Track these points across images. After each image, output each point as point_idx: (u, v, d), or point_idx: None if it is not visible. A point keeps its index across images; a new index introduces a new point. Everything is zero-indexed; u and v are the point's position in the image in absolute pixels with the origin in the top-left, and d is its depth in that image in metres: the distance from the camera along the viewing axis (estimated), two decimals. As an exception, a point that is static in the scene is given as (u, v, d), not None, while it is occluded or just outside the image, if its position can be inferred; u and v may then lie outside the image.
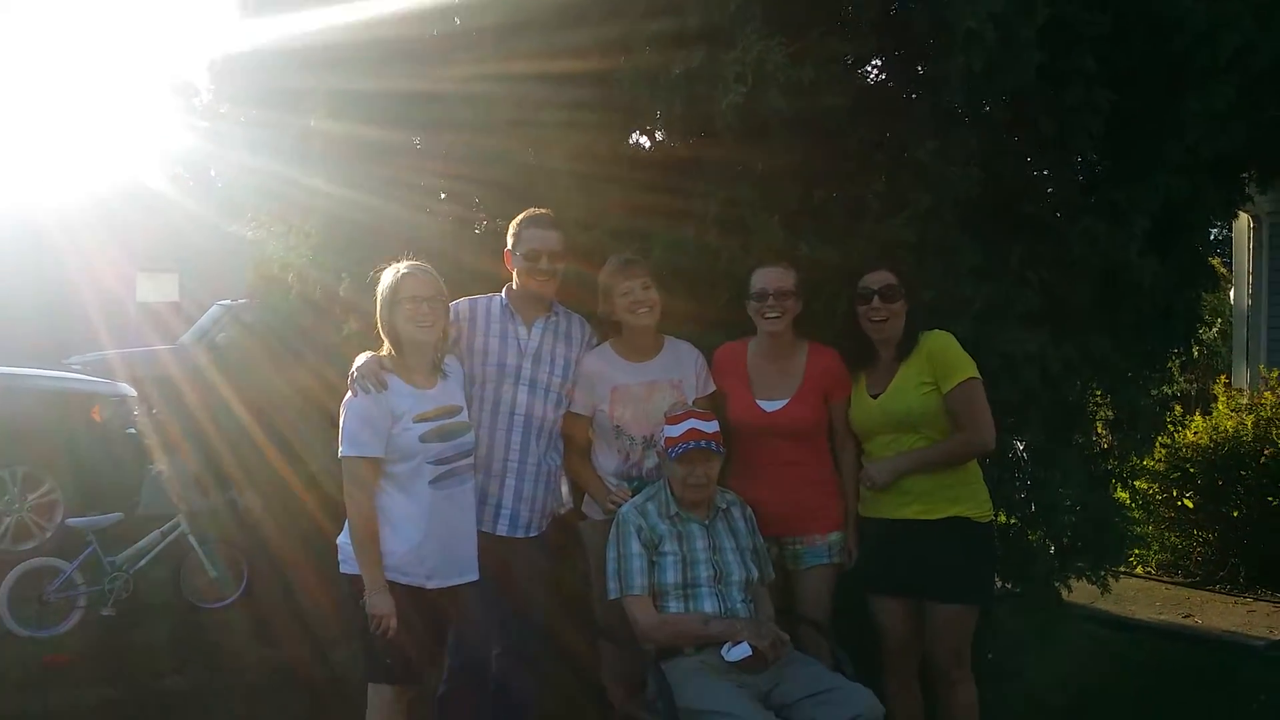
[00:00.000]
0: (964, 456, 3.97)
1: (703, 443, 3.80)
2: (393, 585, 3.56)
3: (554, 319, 4.17)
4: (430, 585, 3.66)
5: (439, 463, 3.66)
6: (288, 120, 4.72)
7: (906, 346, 3.99)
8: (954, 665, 3.96)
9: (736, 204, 4.17)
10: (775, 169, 4.20)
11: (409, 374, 3.71)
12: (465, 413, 3.85)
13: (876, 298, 3.95)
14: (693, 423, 3.84)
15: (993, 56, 3.97)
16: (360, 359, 3.71)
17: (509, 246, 4.08)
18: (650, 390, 4.10)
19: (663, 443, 3.89)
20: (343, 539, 3.68)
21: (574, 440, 4.20)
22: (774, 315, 3.99)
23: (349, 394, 3.65)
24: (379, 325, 3.74)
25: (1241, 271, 10.25)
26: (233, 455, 8.23)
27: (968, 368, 3.91)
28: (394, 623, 3.51)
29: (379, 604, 3.51)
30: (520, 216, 4.07)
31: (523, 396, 4.06)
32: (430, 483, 3.64)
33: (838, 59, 4.05)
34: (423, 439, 3.62)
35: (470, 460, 3.82)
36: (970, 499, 3.96)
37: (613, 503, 4.03)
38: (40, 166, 21.37)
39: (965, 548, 3.93)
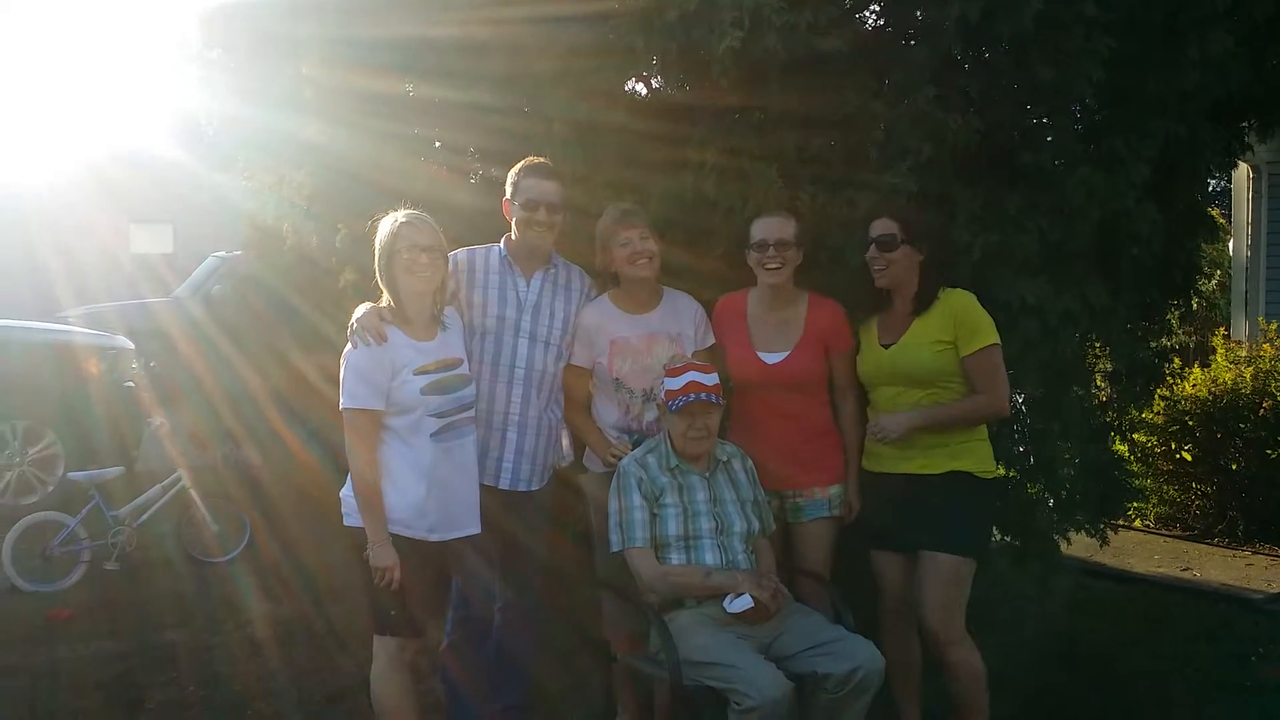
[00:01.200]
0: (978, 420, 3.94)
1: (703, 395, 3.79)
2: (395, 538, 3.56)
3: (553, 271, 4.13)
4: (433, 538, 3.65)
5: (439, 416, 3.64)
6: (279, 68, 4.67)
7: (924, 300, 3.92)
8: (944, 625, 3.84)
9: (734, 152, 4.14)
10: (772, 116, 4.16)
11: (408, 326, 3.67)
12: (465, 365, 3.83)
13: (874, 246, 3.90)
14: (693, 375, 3.83)
15: (990, 3, 3.92)
16: (359, 310, 3.67)
17: (507, 195, 4.03)
18: (649, 342, 4.08)
19: (663, 395, 3.88)
20: (346, 492, 3.67)
21: (574, 393, 4.19)
22: (774, 266, 3.96)
23: (348, 346, 3.62)
24: (377, 275, 3.69)
25: (1240, 223, 10.22)
26: (230, 409, 8.27)
27: (990, 332, 3.86)
28: (397, 575, 3.51)
29: (382, 557, 3.52)
30: (518, 165, 4.02)
31: (523, 349, 4.03)
32: (431, 435, 3.62)
33: (836, 2, 4.00)
34: (423, 391, 3.59)
35: (471, 414, 3.80)
36: (972, 455, 3.92)
37: (613, 455, 4.02)
38: (31, 120, 21.24)
39: (964, 502, 3.88)
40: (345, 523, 3.66)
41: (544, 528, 4.22)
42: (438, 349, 3.72)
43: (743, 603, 3.64)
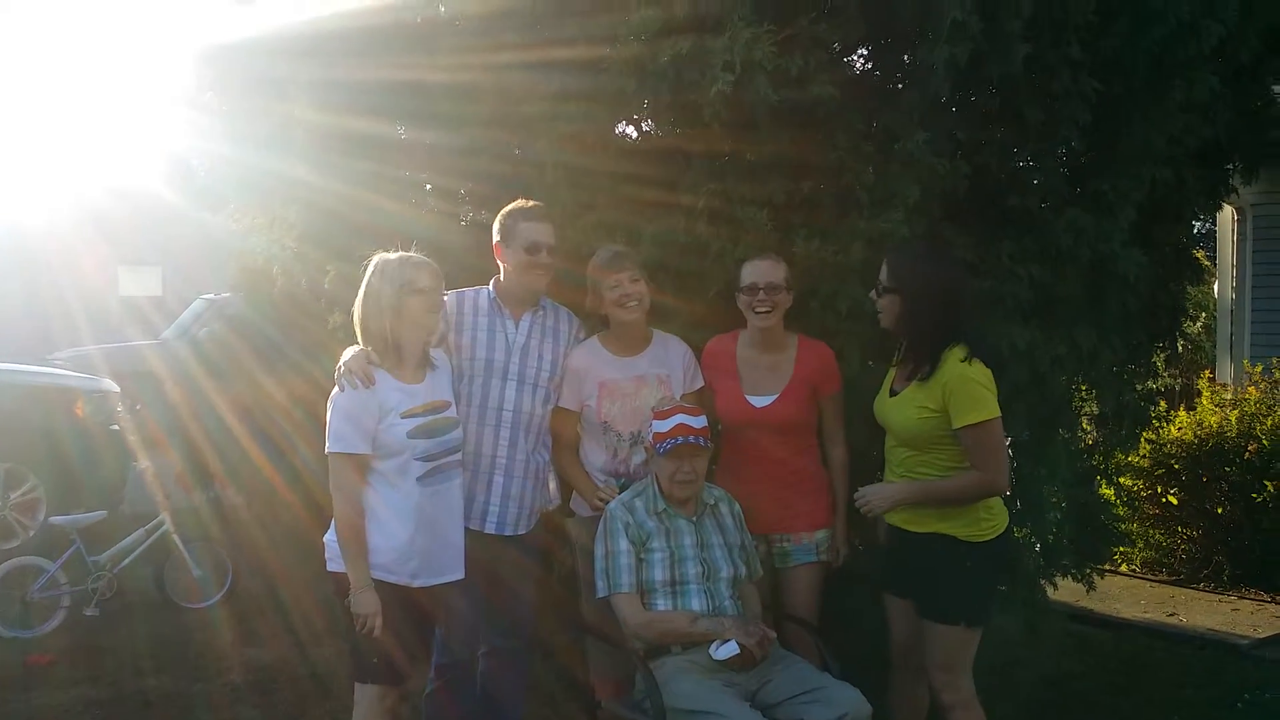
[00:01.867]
0: (975, 497, 3.70)
1: (690, 438, 3.78)
2: (379, 584, 3.52)
3: (541, 313, 4.13)
4: (416, 584, 3.62)
5: (426, 459, 3.61)
6: (271, 110, 4.69)
7: (917, 355, 3.74)
8: (945, 687, 3.77)
9: (725, 196, 4.15)
10: (763, 160, 4.17)
11: (397, 368, 3.64)
12: (453, 408, 3.80)
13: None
14: (681, 418, 3.82)
15: (979, 46, 3.96)
16: (348, 353, 3.65)
17: (497, 239, 4.02)
18: (638, 385, 4.07)
19: (650, 438, 3.87)
20: (330, 537, 3.64)
21: (562, 436, 4.17)
22: (764, 309, 3.96)
23: (335, 389, 3.60)
24: (368, 318, 3.63)
25: (1225, 265, 10.25)
26: (216, 452, 8.22)
27: (983, 408, 3.61)
28: (379, 622, 3.47)
29: (364, 603, 3.48)
30: (510, 209, 4.02)
31: (510, 393, 4.01)
32: (418, 479, 3.59)
33: (825, 46, 4.03)
34: (410, 435, 3.57)
35: (458, 457, 3.77)
36: (959, 517, 3.72)
37: (600, 500, 4.00)
38: (23, 161, 21.26)
39: (952, 569, 3.73)
40: (328, 568, 3.62)
41: (531, 571, 4.18)
42: (426, 391, 3.69)
43: (728, 649, 3.61)
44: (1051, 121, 4.23)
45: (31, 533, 7.89)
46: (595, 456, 4.14)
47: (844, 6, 4.07)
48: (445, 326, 3.98)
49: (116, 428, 8.68)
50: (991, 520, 3.73)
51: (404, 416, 3.58)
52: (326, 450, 3.55)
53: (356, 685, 3.66)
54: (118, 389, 9.20)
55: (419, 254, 3.70)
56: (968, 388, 3.61)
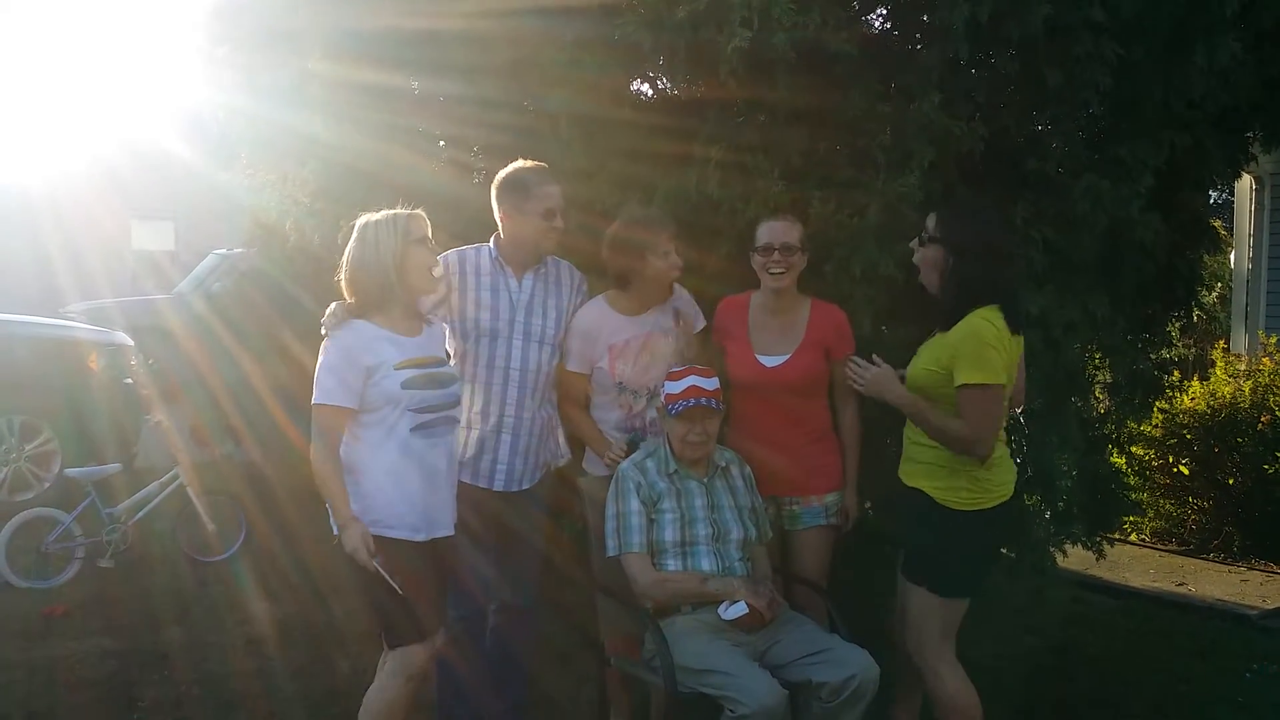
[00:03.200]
0: (946, 440, 3.59)
1: (703, 400, 3.79)
2: (381, 540, 3.44)
3: (544, 269, 4.10)
4: (419, 538, 3.54)
5: (423, 410, 3.54)
6: (285, 63, 4.66)
7: (947, 313, 3.66)
8: (915, 649, 3.73)
9: (738, 151, 4.12)
10: (778, 117, 4.15)
11: (392, 322, 3.57)
12: (449, 365, 3.78)
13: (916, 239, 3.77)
14: (693, 379, 3.82)
15: (998, 5, 3.92)
16: (332, 307, 3.58)
17: (509, 199, 3.96)
18: (647, 341, 4.07)
19: (663, 399, 3.87)
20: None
21: (572, 393, 4.16)
22: (779, 270, 3.94)
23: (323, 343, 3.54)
24: (365, 268, 3.53)
25: (1242, 235, 10.19)
26: (231, 406, 8.26)
27: (983, 370, 3.49)
28: (369, 556, 3.36)
29: (352, 537, 3.38)
30: (521, 170, 3.96)
31: (517, 351, 4.01)
32: (412, 430, 3.52)
33: (844, 4, 4.01)
34: (405, 385, 3.50)
35: (454, 413, 3.70)
36: (940, 478, 3.66)
37: (611, 458, 4.01)
38: (35, 115, 21.24)
39: (919, 525, 3.71)
40: (336, 533, 3.51)
41: (541, 525, 4.20)
42: (423, 344, 3.63)
43: (737, 609, 3.63)
44: (1071, 85, 4.17)
45: (47, 484, 7.94)
46: (609, 413, 4.14)
47: (863, -37, 4.04)
48: (447, 287, 3.94)
49: (130, 381, 8.72)
50: (973, 492, 3.63)
51: (398, 368, 3.51)
52: (313, 402, 3.49)
53: (388, 651, 3.58)
54: (131, 343, 9.23)
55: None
56: (977, 347, 3.51)
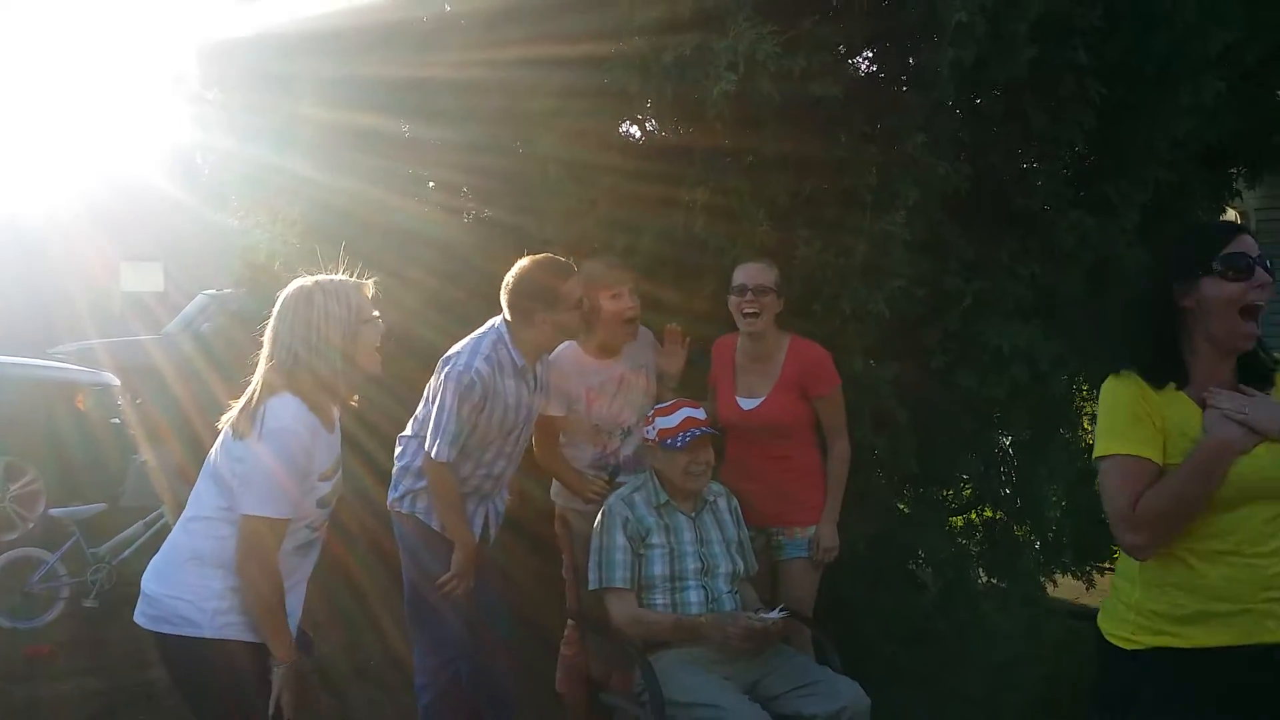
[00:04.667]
0: None
1: (699, 430, 3.80)
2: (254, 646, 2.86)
3: (544, 355, 4.03)
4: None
5: (313, 529, 2.99)
6: (276, 106, 4.69)
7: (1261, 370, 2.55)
8: None
9: (725, 193, 4.15)
10: (765, 159, 4.18)
11: (320, 411, 2.92)
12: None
13: (1257, 278, 2.43)
14: (686, 412, 3.84)
15: (983, 49, 3.97)
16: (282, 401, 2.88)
17: (549, 303, 3.77)
18: (620, 383, 4.13)
19: (654, 434, 3.87)
20: (160, 591, 2.90)
21: (549, 436, 4.15)
22: (751, 311, 3.94)
23: (261, 439, 2.79)
24: (317, 345, 2.85)
25: (1228, 270, 10.23)
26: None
27: None
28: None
29: (294, 664, 2.90)
30: (554, 269, 3.80)
31: (526, 435, 3.98)
32: (295, 549, 2.95)
33: (829, 47, 4.04)
34: (321, 504, 2.95)
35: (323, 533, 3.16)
36: None
37: (592, 494, 4.04)
38: (25, 155, 21.26)
39: None
40: (164, 629, 2.86)
41: (497, 555, 4.20)
42: (334, 446, 3.02)
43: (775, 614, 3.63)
44: (1056, 124, 4.23)
45: (31, 525, 7.88)
46: (583, 452, 4.17)
47: (848, 9, 4.08)
48: (480, 400, 3.70)
49: (117, 421, 8.68)
50: None
51: (321, 479, 2.93)
52: (254, 512, 2.77)
53: None
54: (119, 382, 9.20)
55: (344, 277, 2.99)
56: None
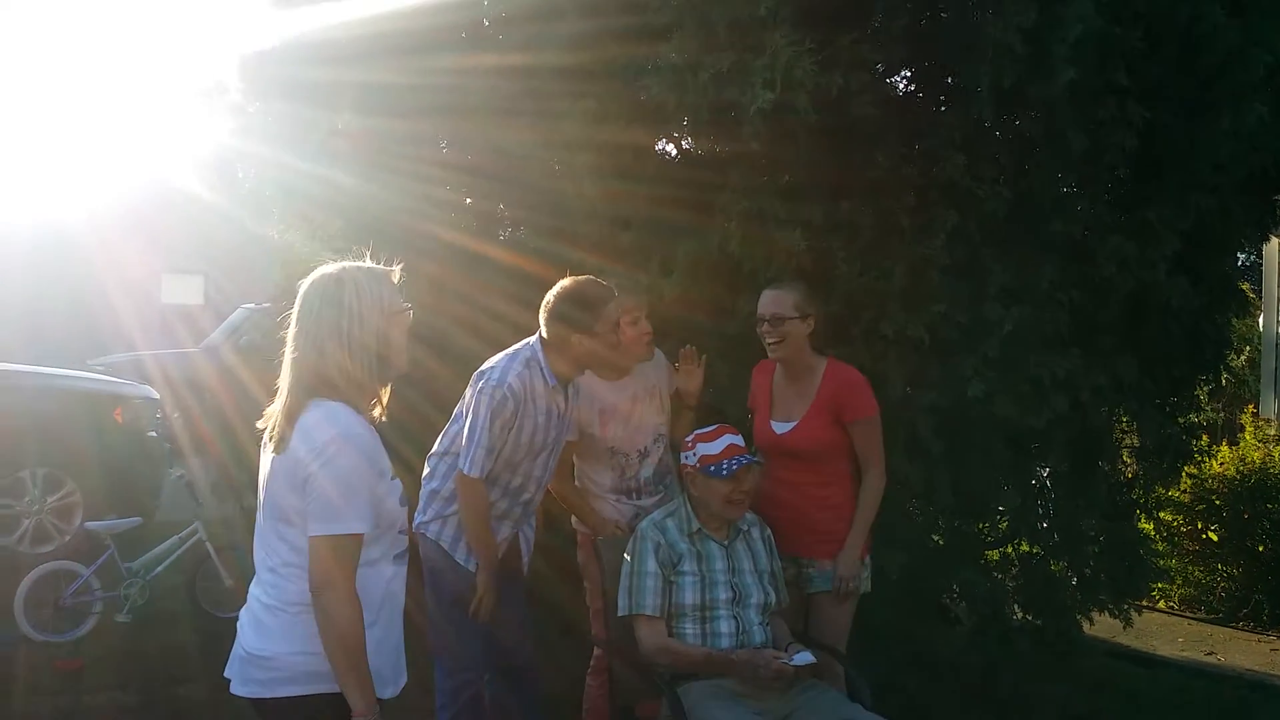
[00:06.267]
0: None
1: (745, 457, 3.75)
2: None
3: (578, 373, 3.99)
4: (388, 695, 2.71)
5: (403, 531, 2.77)
6: (316, 116, 4.73)
7: None
8: None
9: (760, 215, 4.12)
10: (801, 180, 4.16)
11: (368, 417, 2.69)
12: None
13: None
14: (728, 438, 3.79)
15: (1022, 70, 3.92)
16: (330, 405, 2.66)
17: (580, 323, 3.73)
18: (634, 404, 4.14)
19: (695, 461, 3.81)
20: (281, 649, 2.65)
21: (565, 464, 4.16)
22: (773, 340, 3.91)
23: (331, 443, 2.53)
24: (351, 344, 2.58)
25: (1271, 298, 10.09)
26: (254, 460, 8.23)
27: None
28: None
29: None
30: (584, 289, 3.77)
31: (540, 460, 3.91)
32: (395, 557, 2.74)
33: (867, 66, 4.01)
34: (403, 501, 2.76)
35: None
36: None
37: (617, 530, 4.07)
38: (68, 168, 21.54)
39: None
40: (282, 693, 2.64)
41: (521, 580, 4.16)
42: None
43: (805, 657, 3.56)
44: (1096, 147, 4.17)
45: (67, 537, 7.93)
46: (602, 477, 4.18)
47: (886, 29, 4.05)
48: (512, 414, 3.70)
49: (155, 434, 8.74)
50: None
51: (393, 476, 2.72)
52: (325, 532, 2.50)
53: None
54: (157, 395, 9.26)
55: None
56: None
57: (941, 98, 4.47)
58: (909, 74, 4.57)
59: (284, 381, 2.63)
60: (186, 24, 34.17)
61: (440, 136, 4.64)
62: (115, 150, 24.68)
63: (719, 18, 3.90)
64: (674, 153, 4.66)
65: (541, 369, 3.78)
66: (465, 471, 3.71)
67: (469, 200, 4.87)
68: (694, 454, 3.82)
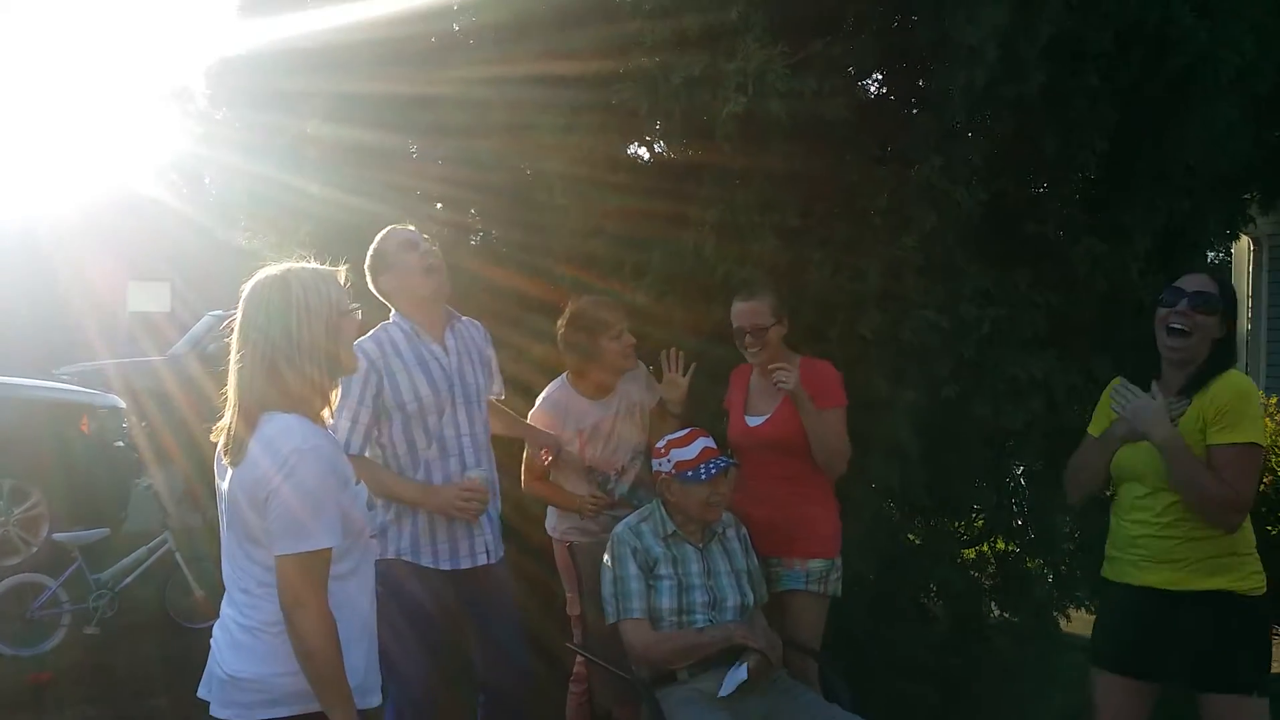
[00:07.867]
0: (1201, 501, 3.16)
1: (722, 460, 3.75)
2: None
3: (456, 324, 3.86)
4: (372, 705, 2.68)
5: (371, 535, 2.69)
6: (283, 124, 4.68)
7: (1196, 383, 3.22)
8: None
9: (734, 217, 4.11)
10: (775, 182, 4.15)
11: (316, 416, 2.59)
12: None
13: (1186, 301, 3.24)
14: (702, 442, 3.78)
15: (994, 71, 3.93)
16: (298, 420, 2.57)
17: (385, 262, 3.69)
18: (614, 422, 4.17)
19: (670, 467, 3.79)
20: (264, 671, 2.55)
21: (537, 467, 4.18)
22: (754, 350, 3.93)
23: (294, 456, 2.44)
24: (301, 345, 2.50)
25: (1241, 296, 10.16)
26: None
27: (1250, 429, 3.14)
28: None
29: None
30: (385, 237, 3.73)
31: (462, 417, 3.76)
32: (376, 562, 2.74)
33: (840, 69, 4.01)
34: (369, 504, 2.74)
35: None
36: (1229, 571, 3.22)
37: (591, 507, 4.06)
38: (33, 173, 21.38)
39: (1231, 624, 3.21)
40: (269, 715, 2.55)
41: (511, 588, 3.99)
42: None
43: (735, 679, 3.54)
44: (1068, 149, 4.20)
45: (34, 549, 7.83)
46: (578, 489, 4.19)
47: (858, 32, 4.05)
48: (376, 382, 3.59)
49: (122, 444, 8.64)
50: (1257, 570, 3.27)
51: (357, 482, 2.62)
52: (293, 550, 2.42)
53: None
54: (124, 405, 9.16)
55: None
56: (1252, 406, 3.18)
57: (913, 100, 4.47)
58: (881, 76, 4.58)
59: (232, 392, 2.54)
60: (152, 30, 33.94)
61: (410, 144, 4.59)
62: (80, 156, 24.49)
63: (691, 23, 3.88)
64: (646, 158, 4.65)
65: (400, 323, 3.68)
66: (346, 452, 3.38)
67: (439, 207, 4.84)
68: (668, 460, 3.79)
